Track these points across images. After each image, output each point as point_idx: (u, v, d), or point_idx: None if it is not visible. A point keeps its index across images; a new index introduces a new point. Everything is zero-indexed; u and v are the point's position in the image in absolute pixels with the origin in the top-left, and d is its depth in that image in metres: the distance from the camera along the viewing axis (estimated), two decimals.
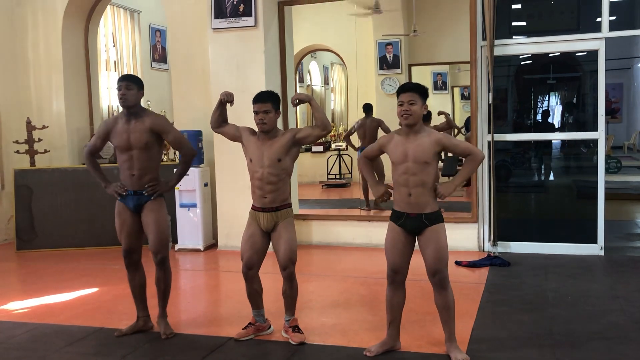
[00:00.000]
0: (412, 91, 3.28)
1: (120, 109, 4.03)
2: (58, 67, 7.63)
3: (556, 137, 9.00)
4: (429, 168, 3.27)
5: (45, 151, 7.24)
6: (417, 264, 3.43)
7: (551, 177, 10.01)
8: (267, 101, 3.68)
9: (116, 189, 3.93)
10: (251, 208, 3.80)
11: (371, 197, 8.29)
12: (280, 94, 6.67)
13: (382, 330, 3.73)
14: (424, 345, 3.65)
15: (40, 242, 6.97)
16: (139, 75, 9.45)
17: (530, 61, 8.16)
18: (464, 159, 3.39)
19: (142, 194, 3.91)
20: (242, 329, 3.86)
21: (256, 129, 3.78)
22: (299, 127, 13.11)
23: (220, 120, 3.88)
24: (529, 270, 5.38)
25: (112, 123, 3.98)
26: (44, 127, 7.25)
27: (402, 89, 3.32)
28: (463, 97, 15.58)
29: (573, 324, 3.95)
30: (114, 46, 9.25)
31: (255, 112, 3.68)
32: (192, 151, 4.08)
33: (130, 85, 3.86)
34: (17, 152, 7.14)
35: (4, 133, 7.49)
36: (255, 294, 3.86)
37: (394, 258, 3.38)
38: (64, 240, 6.97)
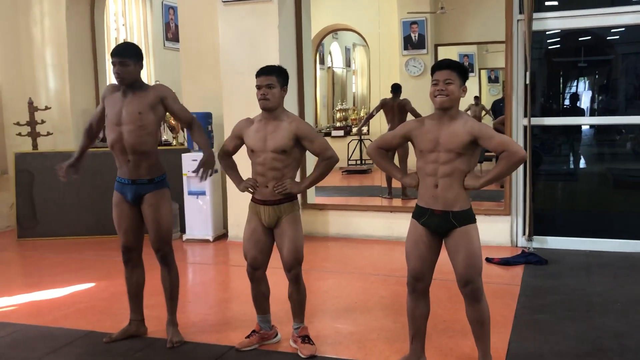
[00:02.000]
0: (450, 68, 2.74)
1: None
2: (62, 45, 7.21)
3: (601, 122, 8.31)
4: (463, 160, 2.73)
5: (48, 134, 6.84)
6: (444, 260, 2.90)
7: (583, 165, 9.36)
8: (271, 74, 3.19)
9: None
10: (251, 200, 3.32)
11: (395, 184, 7.79)
12: (295, 74, 6.20)
13: (404, 341, 3.24)
14: None
15: (41, 229, 6.59)
16: (151, 55, 9.03)
17: (559, 45, 7.56)
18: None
19: (141, 184, 3.42)
20: (245, 338, 3.40)
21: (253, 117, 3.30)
22: (319, 112, 12.71)
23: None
24: (569, 270, 4.84)
25: (110, 90, 3.49)
26: (46, 108, 6.85)
27: (438, 66, 2.78)
28: (490, 80, 14.95)
29: (626, 338, 3.41)
30: (123, 24, 8.80)
31: (258, 87, 3.19)
32: (199, 123, 3.60)
33: (125, 61, 3.32)
34: (19, 134, 6.76)
35: (5, 114, 7.09)
36: (261, 297, 3.40)
37: (414, 263, 2.87)
38: (67, 228, 6.58)
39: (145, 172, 3.42)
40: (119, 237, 3.53)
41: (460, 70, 2.76)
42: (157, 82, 7.20)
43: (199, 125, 3.53)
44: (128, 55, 3.36)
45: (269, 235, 3.28)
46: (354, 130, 11.74)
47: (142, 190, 3.42)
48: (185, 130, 6.70)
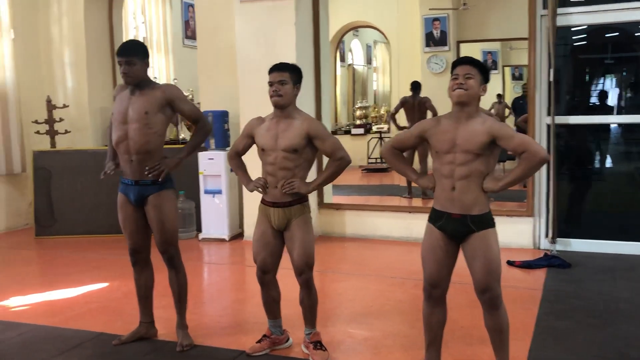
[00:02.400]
0: (471, 64, 2.62)
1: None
2: (81, 43, 7.20)
3: (628, 120, 8.03)
4: (481, 161, 2.60)
5: (66, 132, 6.84)
6: (462, 263, 2.77)
7: (609, 165, 9.10)
8: (284, 70, 3.11)
9: (110, 168, 3.38)
10: (260, 202, 3.22)
11: (415, 183, 7.64)
12: (313, 71, 6.10)
13: (421, 348, 3.11)
14: None
15: (59, 228, 6.58)
16: (170, 53, 9.00)
17: (585, 41, 7.34)
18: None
19: (144, 185, 3.33)
20: (256, 343, 3.31)
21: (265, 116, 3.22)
22: (339, 110, 12.58)
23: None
24: (593, 274, 4.67)
25: (119, 89, 3.44)
26: (64, 106, 6.85)
27: (459, 61, 2.67)
28: (514, 77, 14.69)
29: None
30: (143, 22, 8.78)
31: (270, 84, 3.10)
32: (210, 125, 3.52)
33: (131, 60, 3.23)
34: (37, 132, 6.77)
35: (23, 112, 7.09)
36: (271, 302, 3.31)
37: (431, 269, 2.74)
38: (84, 226, 6.56)
39: (148, 170, 3.34)
40: (126, 240, 3.46)
41: (482, 67, 2.64)
42: (175, 80, 7.18)
43: (204, 126, 3.42)
44: (134, 53, 3.28)
45: (279, 238, 3.18)
46: (374, 128, 11.61)
47: (146, 191, 3.34)
48: None
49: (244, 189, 6.01)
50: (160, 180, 3.30)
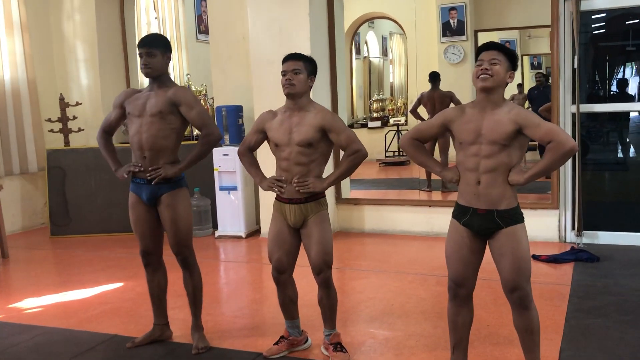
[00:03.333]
0: (497, 49, 2.47)
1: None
2: (93, 40, 7.13)
3: None
4: (509, 152, 2.44)
5: (80, 130, 6.77)
6: (488, 258, 2.61)
7: (632, 154, 8.84)
8: (298, 59, 2.98)
9: (128, 167, 3.25)
10: (275, 198, 3.10)
11: (435, 176, 7.46)
12: (328, 63, 5.95)
13: (446, 348, 2.99)
14: None
15: (74, 227, 6.52)
16: (183, 49, 8.90)
17: (605, 29, 7.11)
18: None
19: (157, 184, 3.21)
20: (274, 345, 3.19)
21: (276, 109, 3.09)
22: (355, 103, 12.41)
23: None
24: (623, 268, 4.48)
25: (132, 92, 3.33)
26: (77, 103, 6.79)
27: (485, 47, 2.51)
28: (533, 66, 14.39)
29: None
30: (155, 18, 8.69)
31: (283, 73, 2.97)
32: (217, 133, 3.28)
33: (152, 52, 3.14)
34: (51, 130, 6.71)
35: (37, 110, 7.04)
36: (288, 302, 3.18)
37: (456, 267, 2.59)
38: (99, 225, 6.50)
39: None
40: (138, 241, 3.35)
41: (509, 53, 2.49)
42: (188, 75, 7.07)
43: (208, 136, 3.23)
44: (156, 45, 3.17)
45: (295, 236, 3.05)
46: (391, 121, 11.44)
47: (159, 190, 3.23)
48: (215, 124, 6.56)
49: None
50: (153, 183, 3.19)
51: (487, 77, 2.43)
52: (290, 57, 3.00)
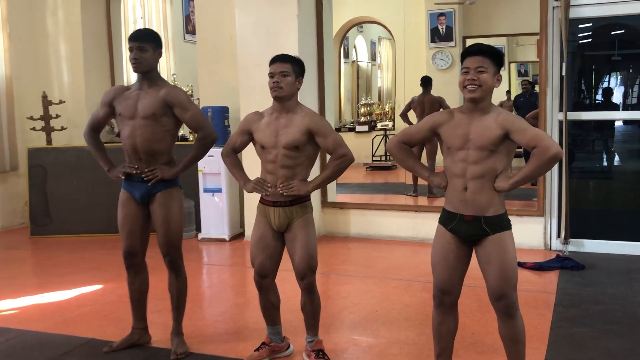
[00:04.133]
0: (483, 54, 2.40)
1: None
2: (77, 37, 7.02)
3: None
4: (496, 158, 2.40)
5: (63, 128, 6.65)
6: (473, 264, 2.57)
7: (617, 163, 8.89)
8: (286, 61, 2.91)
9: (123, 169, 3.18)
10: (259, 201, 3.03)
11: (422, 180, 7.43)
12: (316, 66, 5.90)
13: (429, 357, 2.95)
14: None
15: (55, 227, 6.40)
16: (170, 49, 8.81)
17: (591, 38, 7.14)
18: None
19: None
20: (255, 351, 3.12)
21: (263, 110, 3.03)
22: (343, 107, 12.38)
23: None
24: (608, 277, 4.47)
25: (122, 89, 3.25)
26: (60, 102, 6.67)
27: (469, 51, 2.44)
28: (520, 74, 14.46)
29: None
30: (142, 17, 8.59)
31: (271, 75, 2.90)
32: (214, 135, 3.23)
33: (143, 46, 3.07)
34: (33, 129, 6.58)
35: (19, 108, 6.91)
36: (270, 308, 3.11)
37: (442, 274, 2.54)
38: (81, 225, 6.38)
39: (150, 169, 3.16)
40: (122, 241, 3.27)
41: (495, 56, 2.43)
42: (174, 75, 6.98)
43: (204, 138, 3.19)
44: (147, 39, 3.12)
45: (278, 240, 2.99)
46: (379, 125, 11.42)
47: (153, 188, 3.16)
48: None
49: None
50: (150, 185, 3.12)
51: (475, 87, 2.38)
52: (278, 59, 2.94)
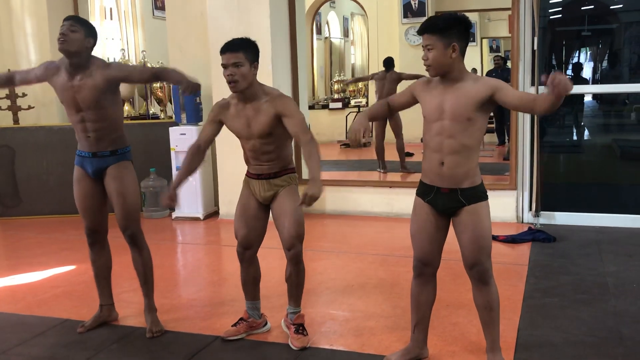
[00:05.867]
0: (428, 32, 2.37)
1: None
2: (43, 14, 6.82)
3: (607, 90, 7.89)
4: (472, 128, 2.41)
5: (30, 107, 6.50)
6: (448, 237, 2.62)
7: (587, 137, 9.04)
8: (237, 50, 2.77)
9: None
10: (245, 174, 3.04)
11: (388, 157, 7.49)
12: (288, 42, 5.83)
13: (405, 329, 2.99)
14: (459, 353, 2.87)
15: (25, 208, 6.29)
16: (139, 25, 8.63)
17: (562, 14, 7.19)
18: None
19: (102, 157, 3.12)
20: (232, 326, 3.12)
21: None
22: (316, 84, 12.30)
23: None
24: (579, 248, 4.56)
25: (54, 70, 3.11)
26: None
27: (419, 30, 2.45)
28: (491, 49, 14.54)
29: None
30: None
31: (224, 66, 2.79)
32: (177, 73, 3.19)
33: (75, 26, 2.98)
34: None
35: None
36: (251, 281, 3.11)
37: (421, 245, 2.57)
38: (51, 206, 6.28)
39: (108, 144, 3.14)
40: (82, 219, 3.23)
41: (440, 30, 2.34)
42: (143, 52, 6.83)
43: (165, 70, 3.26)
44: (80, 22, 3.05)
45: (263, 212, 2.99)
46: (352, 102, 11.40)
47: (104, 163, 3.14)
48: (172, 102, 6.38)
49: (218, 165, 5.82)
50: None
51: (427, 67, 2.41)
52: (228, 49, 2.78)
